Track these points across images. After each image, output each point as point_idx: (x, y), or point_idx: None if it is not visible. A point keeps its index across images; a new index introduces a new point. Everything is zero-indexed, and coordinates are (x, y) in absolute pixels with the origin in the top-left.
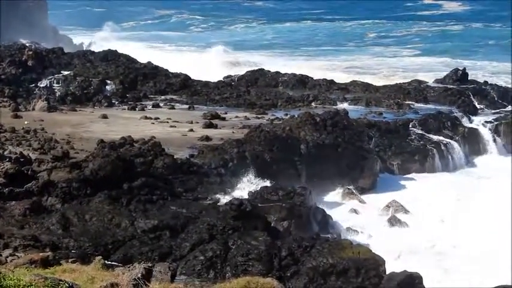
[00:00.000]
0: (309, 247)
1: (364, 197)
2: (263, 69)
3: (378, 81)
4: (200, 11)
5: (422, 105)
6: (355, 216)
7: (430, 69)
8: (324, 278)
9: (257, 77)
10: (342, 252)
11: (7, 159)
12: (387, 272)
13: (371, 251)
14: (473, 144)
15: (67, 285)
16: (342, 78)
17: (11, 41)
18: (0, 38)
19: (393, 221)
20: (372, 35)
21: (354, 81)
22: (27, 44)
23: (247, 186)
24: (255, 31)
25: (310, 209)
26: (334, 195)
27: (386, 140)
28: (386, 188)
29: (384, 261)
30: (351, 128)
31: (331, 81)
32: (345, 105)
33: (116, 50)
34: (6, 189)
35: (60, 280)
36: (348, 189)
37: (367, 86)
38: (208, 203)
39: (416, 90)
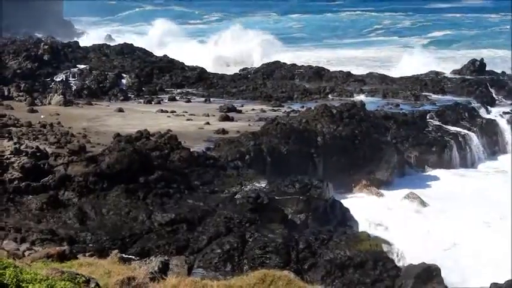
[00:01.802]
0: (326, 240)
1: (381, 189)
2: (279, 61)
3: (394, 73)
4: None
5: (439, 96)
6: (373, 208)
7: (447, 60)
8: (342, 271)
9: (273, 69)
10: (360, 244)
11: (23, 154)
12: (405, 264)
13: (388, 243)
14: (491, 135)
15: (84, 279)
16: (358, 70)
17: (27, 35)
18: (16, 32)
19: (411, 213)
20: (386, 25)
21: (370, 73)
22: (42, 38)
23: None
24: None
25: (327, 202)
26: (352, 187)
27: (403, 132)
28: (404, 180)
29: (402, 253)
30: (368, 120)
31: (348, 73)
32: (361, 97)
33: (131, 44)
34: (23, 183)
35: (77, 274)
36: (365, 181)
37: (383, 78)
38: (225, 196)
39: (434, 81)
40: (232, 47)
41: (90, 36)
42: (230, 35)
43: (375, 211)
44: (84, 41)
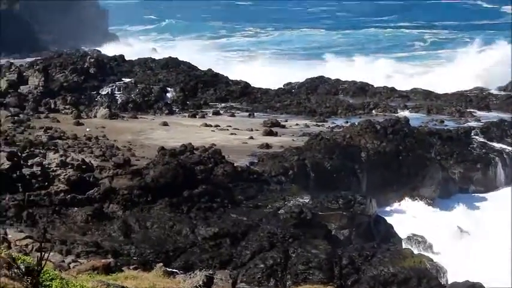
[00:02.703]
0: (369, 256)
1: (425, 205)
2: (323, 76)
3: (439, 89)
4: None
5: (484, 113)
6: (417, 225)
7: (492, 76)
8: (385, 287)
9: (317, 84)
10: (403, 261)
11: (69, 166)
12: (449, 282)
13: (432, 260)
14: None
15: None
16: (402, 85)
17: (73, 48)
18: (63, 45)
19: (456, 231)
20: (429, 40)
21: (414, 88)
22: (88, 52)
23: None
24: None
25: (371, 218)
26: (395, 203)
27: (447, 148)
28: (448, 196)
29: (446, 271)
30: (412, 135)
31: (392, 89)
32: (405, 113)
33: (176, 58)
34: (69, 196)
35: (122, 287)
36: (410, 197)
37: (428, 94)
38: (269, 210)
39: (478, 97)
40: None
41: (135, 49)
42: None
43: (419, 228)
44: (129, 54)
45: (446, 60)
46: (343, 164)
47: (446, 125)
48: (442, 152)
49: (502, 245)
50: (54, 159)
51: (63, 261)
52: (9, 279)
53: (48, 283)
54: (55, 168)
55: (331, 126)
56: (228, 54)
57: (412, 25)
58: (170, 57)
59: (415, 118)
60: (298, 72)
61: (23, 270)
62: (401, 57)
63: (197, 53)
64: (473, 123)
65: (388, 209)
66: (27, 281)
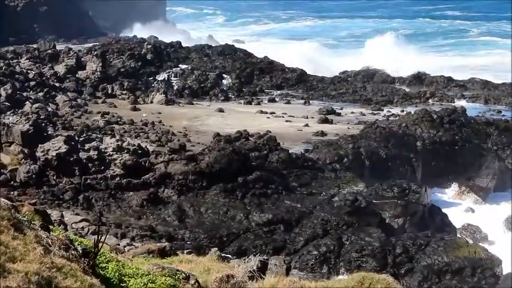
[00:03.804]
0: (423, 245)
1: (481, 196)
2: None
3: (496, 79)
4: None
5: None
6: (472, 215)
7: None
8: (439, 277)
9: (373, 72)
10: (458, 251)
11: (125, 151)
12: (504, 273)
13: (487, 250)
14: None
15: (184, 275)
16: (459, 75)
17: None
18: (120, 31)
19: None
20: (489, 29)
21: (472, 78)
22: (146, 38)
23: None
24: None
25: (426, 207)
26: (450, 193)
27: (504, 139)
28: (505, 188)
29: (500, 262)
30: (469, 125)
31: (449, 78)
32: (462, 103)
33: (233, 45)
34: (124, 180)
35: (177, 270)
36: (465, 187)
37: (485, 84)
38: (323, 198)
39: None
40: None
41: (192, 36)
42: None
43: (474, 218)
44: (186, 41)
45: (505, 49)
46: (399, 152)
47: (503, 115)
48: (499, 142)
49: None
50: (111, 143)
51: (119, 244)
52: (66, 260)
53: (104, 265)
54: (111, 153)
55: (386, 114)
56: (285, 40)
57: (469, 15)
58: (227, 44)
59: (472, 108)
60: (352, 61)
61: (80, 252)
62: (458, 46)
63: (254, 39)
64: None
65: (443, 198)
66: (84, 262)
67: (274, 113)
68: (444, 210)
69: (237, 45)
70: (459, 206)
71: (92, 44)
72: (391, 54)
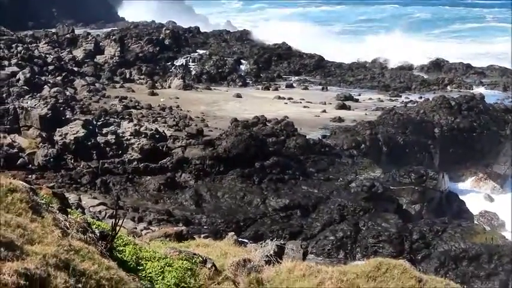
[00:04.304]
0: (440, 231)
1: (498, 183)
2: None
3: None
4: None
5: None
6: (489, 202)
7: None
8: (456, 263)
9: (390, 59)
10: (475, 237)
11: (143, 135)
12: None
13: (505, 237)
14: None
15: (201, 259)
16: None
17: (149, 20)
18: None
19: None
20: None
21: (491, 65)
22: (164, 23)
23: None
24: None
25: (443, 193)
26: (468, 180)
27: None
28: None
29: None
30: (487, 112)
31: (468, 65)
32: (481, 90)
33: (250, 30)
34: (142, 164)
35: (194, 254)
36: (482, 174)
37: (504, 71)
38: (340, 183)
39: None
40: None
41: (210, 21)
42: None
43: (491, 205)
44: (204, 26)
45: None
46: (416, 139)
47: None
48: None
49: None
50: (128, 128)
51: (136, 228)
52: (84, 243)
53: (122, 248)
54: (129, 137)
55: (404, 101)
56: (303, 26)
57: (487, 3)
58: (244, 29)
59: (490, 95)
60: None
61: (98, 235)
62: (476, 32)
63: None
64: None
65: (460, 185)
66: (102, 245)
67: (292, 99)
68: (461, 197)
69: (254, 31)
70: (477, 193)
71: (111, 29)
72: (407, 40)
